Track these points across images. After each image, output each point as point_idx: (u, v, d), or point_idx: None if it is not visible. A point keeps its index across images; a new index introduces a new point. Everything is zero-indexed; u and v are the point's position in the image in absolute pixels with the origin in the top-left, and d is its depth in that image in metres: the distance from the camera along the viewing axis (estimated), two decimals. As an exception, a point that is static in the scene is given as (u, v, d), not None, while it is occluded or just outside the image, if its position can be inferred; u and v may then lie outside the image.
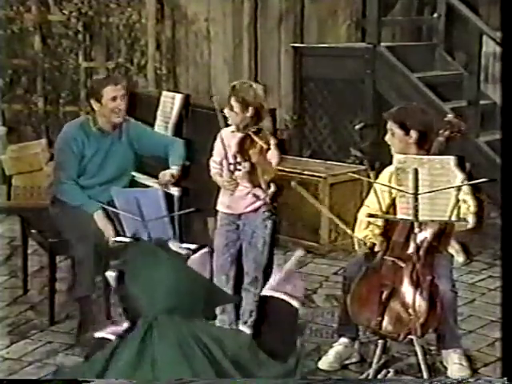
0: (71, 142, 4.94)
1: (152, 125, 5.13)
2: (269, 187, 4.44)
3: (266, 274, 4.42)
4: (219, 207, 4.68)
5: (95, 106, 4.92)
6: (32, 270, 5.51)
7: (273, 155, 4.45)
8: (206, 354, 2.96)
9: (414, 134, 4.26)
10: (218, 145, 4.61)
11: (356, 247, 4.25)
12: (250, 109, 4.46)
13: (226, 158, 4.52)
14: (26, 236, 5.33)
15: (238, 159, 4.44)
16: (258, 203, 4.52)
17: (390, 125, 4.33)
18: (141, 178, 4.95)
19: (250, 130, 4.44)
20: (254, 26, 8.52)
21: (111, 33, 8.18)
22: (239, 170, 4.44)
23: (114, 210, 4.13)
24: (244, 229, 4.61)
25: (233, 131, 4.55)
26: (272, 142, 4.45)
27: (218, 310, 4.44)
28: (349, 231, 4.29)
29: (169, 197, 4.18)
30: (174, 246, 3.37)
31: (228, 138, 4.56)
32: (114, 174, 5.01)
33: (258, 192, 4.48)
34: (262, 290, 4.31)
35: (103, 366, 3.01)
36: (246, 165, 4.40)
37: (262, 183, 4.42)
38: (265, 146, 4.39)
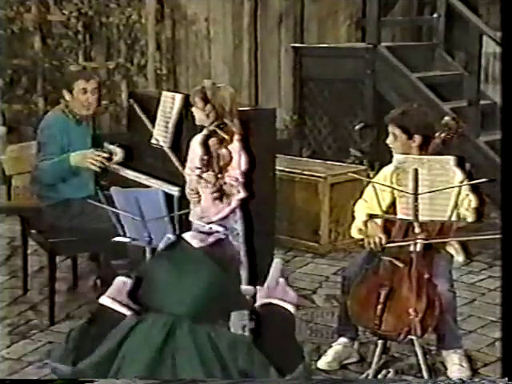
0: (54, 127, 4.98)
1: (152, 125, 5.11)
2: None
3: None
4: (192, 218, 4.40)
5: (67, 96, 5.03)
6: (32, 270, 5.50)
7: (235, 149, 4.31)
8: (219, 360, 2.95)
9: (417, 138, 4.18)
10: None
11: (365, 244, 4.19)
12: (208, 105, 4.34)
13: (192, 163, 4.41)
14: (26, 236, 5.33)
15: (205, 161, 4.28)
16: (228, 209, 4.35)
17: (392, 128, 4.23)
18: (141, 178, 4.94)
19: (211, 127, 4.34)
20: (254, 26, 8.53)
21: (111, 33, 8.18)
22: (207, 171, 4.29)
23: (114, 209, 4.14)
24: None
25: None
26: (236, 136, 4.32)
27: None
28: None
29: (169, 197, 4.19)
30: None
31: (194, 144, 4.46)
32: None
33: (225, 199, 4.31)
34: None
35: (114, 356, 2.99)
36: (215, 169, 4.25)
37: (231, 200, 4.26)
38: (227, 137, 4.27)
